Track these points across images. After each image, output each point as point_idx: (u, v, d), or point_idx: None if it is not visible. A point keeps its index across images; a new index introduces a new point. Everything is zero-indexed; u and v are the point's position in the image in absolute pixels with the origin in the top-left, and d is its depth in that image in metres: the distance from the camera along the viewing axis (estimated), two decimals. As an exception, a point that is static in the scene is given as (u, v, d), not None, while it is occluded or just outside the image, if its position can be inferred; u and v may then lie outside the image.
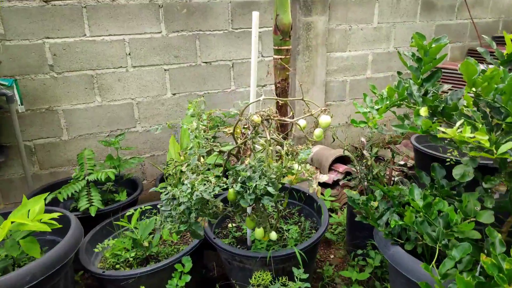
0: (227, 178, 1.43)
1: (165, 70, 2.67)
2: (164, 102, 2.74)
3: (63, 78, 2.46)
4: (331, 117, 1.43)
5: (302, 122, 1.48)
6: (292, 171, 1.46)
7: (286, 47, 2.03)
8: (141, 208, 2.06)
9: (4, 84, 2.19)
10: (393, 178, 2.68)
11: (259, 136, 1.54)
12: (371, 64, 3.27)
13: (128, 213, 1.99)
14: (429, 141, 2.64)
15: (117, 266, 1.85)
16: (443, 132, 1.15)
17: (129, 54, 2.55)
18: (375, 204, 1.73)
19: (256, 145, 1.58)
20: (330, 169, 2.87)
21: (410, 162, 2.90)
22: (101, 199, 2.11)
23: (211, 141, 1.63)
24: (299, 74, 2.98)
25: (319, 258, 2.25)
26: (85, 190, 2.14)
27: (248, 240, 1.87)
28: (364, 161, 2.06)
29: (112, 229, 2.09)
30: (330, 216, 2.61)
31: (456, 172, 1.43)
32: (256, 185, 1.34)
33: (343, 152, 2.21)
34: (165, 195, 1.36)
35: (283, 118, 1.47)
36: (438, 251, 1.32)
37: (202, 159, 1.52)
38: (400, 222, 1.49)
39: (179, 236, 2.06)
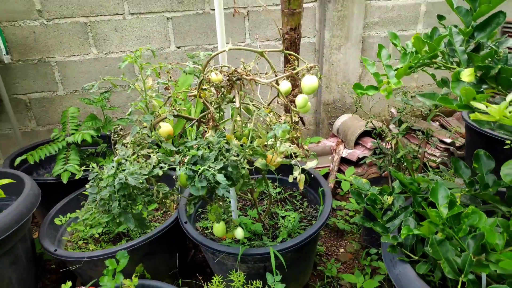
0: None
1: (167, 18, 2.30)
2: (168, 56, 2.40)
3: (53, 25, 2.19)
4: (320, 78, 0.99)
5: (284, 85, 1.06)
6: (266, 151, 1.07)
7: (295, -14, 1.56)
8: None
9: (-18, 30, 1.98)
10: (435, 159, 2.16)
11: (228, 102, 1.15)
12: (423, 16, 2.63)
13: (103, 182, 1.74)
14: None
15: (80, 242, 1.63)
16: (482, 112, 0.69)
17: (125, -2, 2.21)
18: (389, 199, 1.29)
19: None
20: (357, 144, 2.40)
21: (460, 141, 2.33)
22: (79, 164, 1.88)
23: (178, 105, 1.28)
24: (329, 26, 2.46)
25: (325, 252, 1.88)
26: (63, 153, 1.92)
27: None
28: (387, 139, 1.59)
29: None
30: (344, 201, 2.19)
31: (506, 171, 0.95)
32: (205, 169, 0.97)
33: (366, 125, 1.74)
34: (92, 173, 1.05)
35: (257, 78, 1.06)
36: (461, 286, 0.89)
37: (159, 126, 1.17)
38: (416, 232, 1.06)
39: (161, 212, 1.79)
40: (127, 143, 1.11)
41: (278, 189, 1.78)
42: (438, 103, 0.95)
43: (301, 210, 1.69)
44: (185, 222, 1.47)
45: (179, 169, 0.99)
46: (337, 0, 2.39)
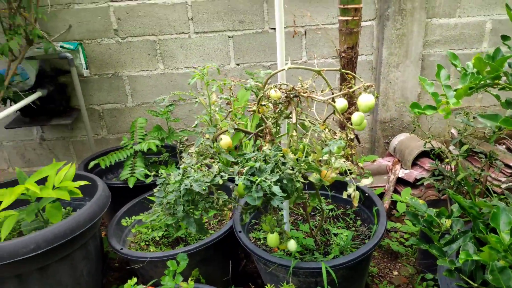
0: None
1: (229, 37, 2.43)
2: (227, 73, 2.53)
3: (127, 43, 2.42)
4: (376, 97, 1.01)
5: (340, 103, 1.10)
6: (321, 166, 1.11)
7: (354, 6, 1.61)
8: (178, 185, 1.92)
9: (68, 48, 2.23)
10: (500, 184, 2.05)
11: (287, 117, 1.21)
12: (489, 34, 2.52)
13: (164, 189, 1.87)
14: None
15: (142, 244, 1.76)
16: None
17: (192, 18, 2.37)
18: (448, 223, 1.26)
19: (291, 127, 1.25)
20: (414, 164, 2.33)
21: (530, 166, 2.18)
22: (144, 170, 2.03)
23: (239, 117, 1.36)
24: (387, 44, 2.44)
25: (377, 273, 1.84)
26: (130, 160, 2.09)
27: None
28: (446, 160, 1.54)
29: (152, 203, 2.01)
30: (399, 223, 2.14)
31: None
32: (262, 180, 1.03)
33: (424, 145, 1.71)
34: (160, 178, 1.15)
35: (314, 95, 1.11)
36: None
37: (220, 138, 1.26)
38: (475, 258, 1.03)
39: (217, 220, 1.88)
40: (192, 152, 1.20)
41: (331, 206, 1.79)
42: (501, 125, 0.94)
43: (354, 228, 1.68)
44: (239, 231, 1.53)
45: (238, 179, 1.06)
46: (396, 18, 2.38)
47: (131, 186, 1.94)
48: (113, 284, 1.90)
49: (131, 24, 2.36)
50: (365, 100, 1.00)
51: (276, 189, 0.98)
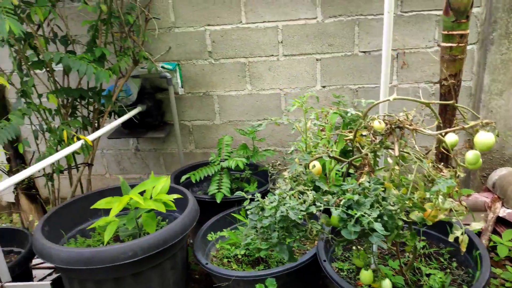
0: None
1: (316, 59, 2.44)
2: (312, 95, 2.53)
3: (219, 64, 2.55)
4: (497, 135, 0.93)
5: (451, 137, 1.03)
6: (425, 205, 1.04)
7: (460, 32, 1.52)
8: (261, 205, 1.95)
9: (168, 68, 2.42)
10: None
11: (389, 149, 1.16)
12: None
13: (248, 207, 1.91)
14: None
15: (225, 260, 1.80)
16: None
17: (281, 42, 2.43)
18: None
19: (386, 159, 1.21)
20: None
21: None
22: (229, 187, 2.10)
23: (331, 145, 1.34)
24: (490, 70, 2.25)
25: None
26: (217, 175, 2.17)
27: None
28: None
29: (233, 220, 2.06)
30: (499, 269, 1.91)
31: None
32: (361, 214, 1.00)
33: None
34: (255, 202, 1.18)
35: (422, 129, 1.05)
36: None
37: (312, 165, 1.26)
38: None
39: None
40: (286, 178, 1.21)
41: (423, 243, 1.67)
42: None
43: (449, 270, 1.55)
44: (324, 261, 1.49)
45: (335, 210, 1.04)
46: (503, 42, 2.18)
47: (218, 201, 2.02)
48: (193, 295, 1.97)
49: (224, 47, 2.49)
50: (484, 138, 0.92)
51: (377, 226, 0.95)
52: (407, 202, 1.00)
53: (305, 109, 1.25)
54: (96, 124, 2.31)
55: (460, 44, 1.51)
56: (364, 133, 1.14)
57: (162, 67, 2.40)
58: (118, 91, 2.27)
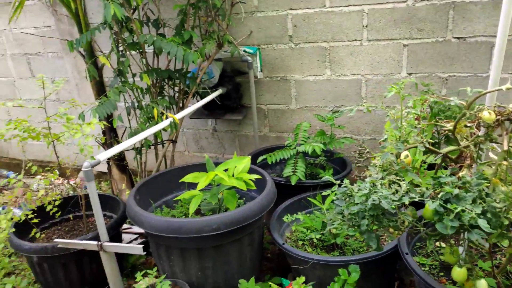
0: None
1: (404, 45, 2.32)
2: (397, 82, 2.42)
3: (299, 49, 2.54)
4: None
5: None
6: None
7: None
8: (338, 191, 1.94)
9: (249, 52, 2.46)
10: None
11: (491, 142, 1.08)
12: None
13: (324, 193, 1.91)
14: None
15: (299, 242, 1.83)
16: None
17: (366, 26, 2.34)
18: None
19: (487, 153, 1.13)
20: None
21: None
22: (304, 171, 2.12)
23: (424, 135, 1.28)
24: None
25: None
26: (293, 159, 2.19)
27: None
28: None
29: (308, 204, 2.07)
30: None
31: None
32: (462, 209, 0.95)
33: None
34: (342, 187, 1.17)
35: (537, 123, 0.96)
36: None
37: (405, 155, 1.22)
38: None
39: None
40: (376, 166, 1.19)
41: (517, 245, 1.55)
42: None
43: (546, 277, 1.42)
44: (406, 253, 1.45)
45: (432, 203, 1.00)
46: None
47: (293, 183, 2.05)
48: (265, 273, 2.03)
49: (305, 31, 2.47)
50: None
51: (482, 222, 0.89)
52: (516, 200, 0.93)
53: (402, 96, 1.20)
54: (180, 104, 2.44)
55: None
56: (469, 124, 1.07)
57: (244, 51, 2.44)
58: (202, 73, 2.37)
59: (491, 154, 1.16)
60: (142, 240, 2.34)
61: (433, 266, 1.54)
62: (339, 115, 2.24)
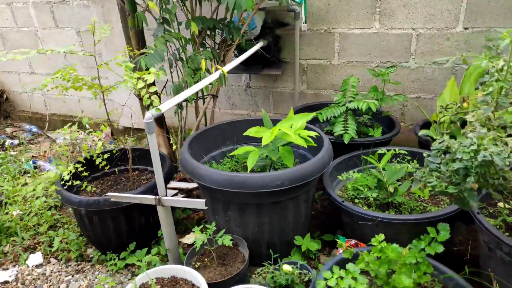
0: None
1: (463, -4, 2.17)
2: (450, 37, 2.28)
3: (347, -1, 2.38)
4: None
5: None
6: None
7: None
8: (394, 150, 1.88)
9: (295, 0, 2.31)
10: None
11: None
12: None
13: (380, 151, 1.85)
14: None
15: (356, 200, 1.80)
16: None
17: (424, -26, 2.18)
18: None
19: None
20: None
21: None
22: (355, 129, 2.05)
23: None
24: None
25: None
26: (342, 117, 2.12)
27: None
28: None
29: (359, 162, 2.02)
30: None
31: None
32: None
33: None
34: (438, 143, 1.11)
35: None
36: None
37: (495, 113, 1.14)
38: None
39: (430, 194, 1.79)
40: (471, 121, 1.11)
41: None
42: None
43: None
44: (478, 213, 1.41)
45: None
46: None
47: (346, 142, 1.99)
48: (313, 230, 2.02)
49: (357, -21, 2.30)
50: None
51: None
52: None
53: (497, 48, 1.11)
54: (222, 57, 2.33)
55: None
56: None
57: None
58: (247, 23, 2.23)
59: None
60: (183, 195, 2.32)
61: (498, 227, 1.51)
62: (394, 70, 2.13)
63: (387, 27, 2.38)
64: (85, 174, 1.91)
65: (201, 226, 1.67)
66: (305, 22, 2.46)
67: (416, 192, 1.74)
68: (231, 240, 1.59)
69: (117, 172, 2.20)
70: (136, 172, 2.28)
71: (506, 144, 1.01)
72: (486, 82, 1.17)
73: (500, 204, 1.63)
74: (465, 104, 1.34)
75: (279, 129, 1.57)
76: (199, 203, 1.52)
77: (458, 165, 1.02)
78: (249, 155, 1.68)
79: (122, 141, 3.37)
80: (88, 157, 1.97)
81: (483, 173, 1.01)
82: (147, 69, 1.75)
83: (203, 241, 1.62)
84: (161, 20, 2.02)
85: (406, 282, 1.14)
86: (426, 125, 2.24)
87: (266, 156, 1.71)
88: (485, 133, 1.01)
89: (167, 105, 1.56)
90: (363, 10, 2.38)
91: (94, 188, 2.05)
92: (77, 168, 1.85)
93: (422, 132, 1.81)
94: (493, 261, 1.46)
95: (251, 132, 1.62)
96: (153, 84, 1.84)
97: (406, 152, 1.89)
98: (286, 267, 1.57)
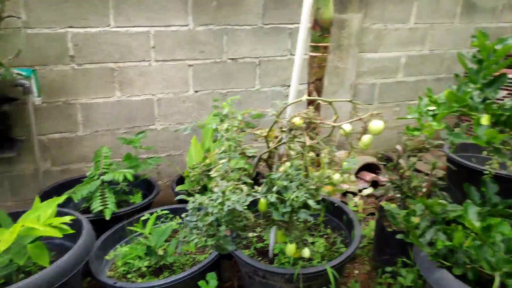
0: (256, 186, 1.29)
1: (189, 65, 2.53)
2: (186, 100, 2.61)
3: (83, 70, 2.34)
4: (385, 122, 1.27)
5: (347, 127, 1.32)
6: (332, 181, 1.31)
7: (324, 44, 1.87)
8: (157, 212, 1.93)
9: (22, 74, 2.09)
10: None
11: (296, 141, 1.39)
12: (403, 67, 3.09)
13: (143, 218, 1.86)
14: (461, 151, 2.46)
15: (129, 276, 1.72)
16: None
17: (154, 47, 2.42)
18: (416, 220, 1.56)
19: (291, 151, 1.43)
20: (355, 177, 2.70)
21: (441, 173, 2.71)
22: (115, 201, 1.98)
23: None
24: (327, 74, 2.82)
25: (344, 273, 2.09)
26: (99, 191, 2.01)
27: (270, 252, 1.72)
28: (400, 171, 1.89)
29: (124, 233, 1.96)
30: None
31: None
32: (294, 196, 1.19)
33: (376, 159, 2.05)
34: (192, 203, 1.22)
35: (327, 121, 1.32)
36: (499, 281, 1.16)
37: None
38: (448, 243, 1.33)
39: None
40: (214, 176, 1.30)
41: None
42: (463, 141, 1.27)
43: (326, 235, 1.92)
44: (235, 250, 1.63)
45: (271, 197, 1.20)
46: (335, 52, 2.77)
47: (108, 218, 1.88)
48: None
49: (89, 51, 2.31)
50: (376, 125, 1.24)
51: (311, 201, 1.15)
52: (326, 180, 1.24)
53: (232, 111, 1.35)
54: None
55: (324, 54, 1.88)
56: (281, 128, 1.33)
57: (18, 73, 2.05)
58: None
59: (291, 152, 1.47)
60: None
61: (252, 255, 1.78)
62: (143, 136, 2.22)
63: (129, 94, 2.48)
64: None
65: None
66: (39, 96, 2.24)
67: (184, 248, 1.84)
68: None
69: None
70: None
71: (242, 190, 1.23)
72: (218, 139, 1.40)
73: (250, 234, 1.93)
74: (207, 161, 1.55)
75: (23, 225, 1.33)
76: None
77: (211, 218, 1.15)
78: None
79: None
80: None
81: (230, 219, 1.18)
82: None
83: None
84: None
85: None
86: (181, 179, 2.42)
87: (11, 260, 1.40)
88: (226, 185, 1.19)
89: None
90: (102, 80, 2.40)
91: None
92: None
93: (179, 188, 1.95)
94: (254, 286, 1.70)
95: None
96: None
97: (168, 211, 1.98)
98: None
